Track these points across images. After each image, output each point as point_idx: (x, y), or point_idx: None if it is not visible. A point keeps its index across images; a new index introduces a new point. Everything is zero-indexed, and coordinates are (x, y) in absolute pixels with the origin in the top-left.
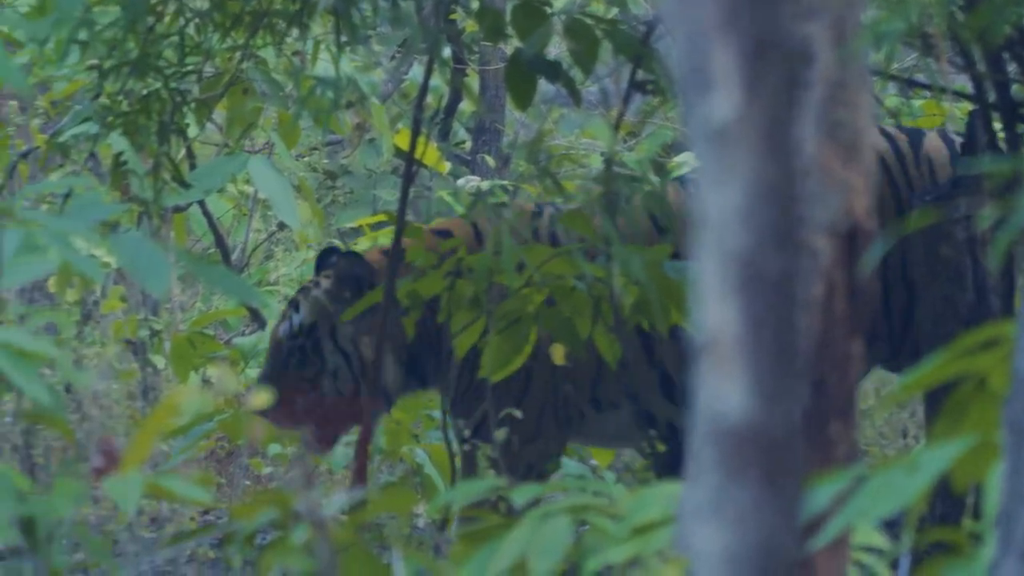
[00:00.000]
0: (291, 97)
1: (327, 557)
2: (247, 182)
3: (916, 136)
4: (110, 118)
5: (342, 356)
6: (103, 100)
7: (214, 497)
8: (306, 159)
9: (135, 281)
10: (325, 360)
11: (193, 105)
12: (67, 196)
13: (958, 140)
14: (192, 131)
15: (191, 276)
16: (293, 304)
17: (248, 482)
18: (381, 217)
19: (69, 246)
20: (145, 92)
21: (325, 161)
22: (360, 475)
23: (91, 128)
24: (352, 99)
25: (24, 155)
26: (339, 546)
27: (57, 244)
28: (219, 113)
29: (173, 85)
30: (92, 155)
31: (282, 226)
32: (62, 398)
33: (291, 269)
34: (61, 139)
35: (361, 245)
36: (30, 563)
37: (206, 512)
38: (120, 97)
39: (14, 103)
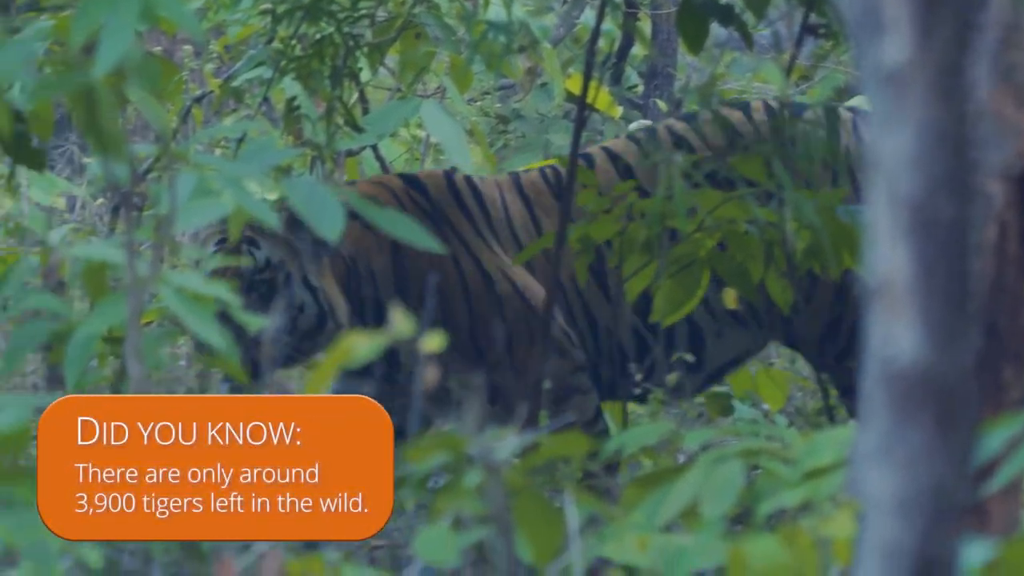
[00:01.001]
0: (464, 41)
1: (499, 500)
2: (419, 126)
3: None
4: (284, 62)
5: (309, 291)
6: (277, 44)
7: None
8: (478, 103)
9: (309, 224)
10: (293, 294)
11: (366, 49)
12: (241, 140)
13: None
14: (365, 75)
15: None
16: (246, 240)
17: (421, 426)
18: (553, 161)
19: (242, 190)
20: (318, 36)
21: (497, 105)
22: (532, 419)
23: (265, 72)
24: (524, 43)
25: (198, 100)
26: (511, 490)
27: (231, 188)
28: (392, 57)
29: (346, 29)
30: (265, 99)
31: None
32: (235, 341)
33: None
34: (235, 84)
35: None
36: None
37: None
38: (293, 41)
39: (188, 48)
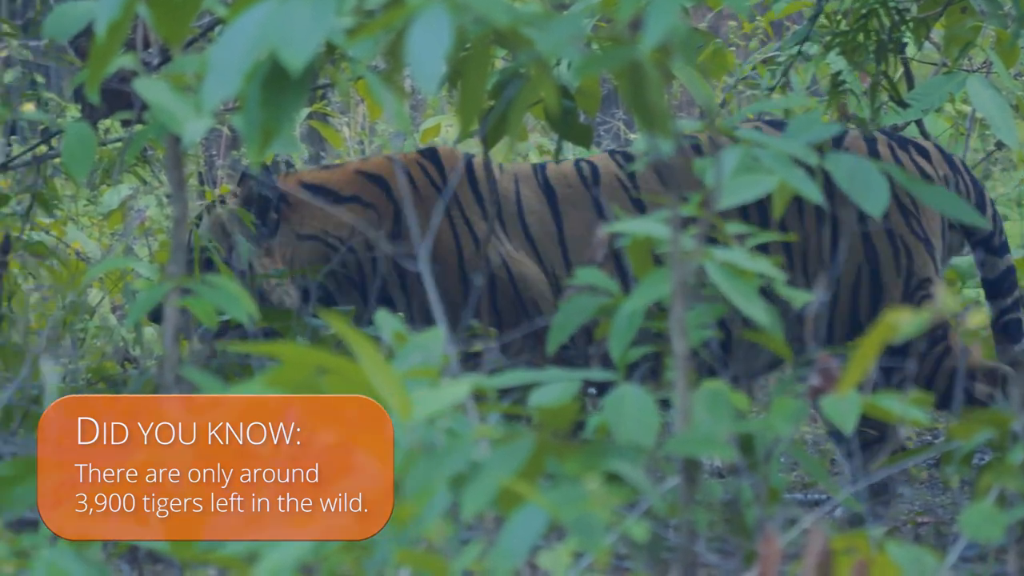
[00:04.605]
0: (1010, 15)
1: None
2: (965, 101)
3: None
4: (828, 38)
5: (236, 274)
6: (822, 20)
7: (931, 417)
8: None
9: (854, 200)
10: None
11: (911, 23)
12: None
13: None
14: (910, 50)
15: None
16: (197, 218)
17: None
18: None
19: (788, 165)
20: (864, 12)
21: None
22: None
23: (810, 48)
24: None
25: (743, 78)
26: None
27: (776, 163)
28: (937, 31)
29: (892, 3)
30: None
31: (1000, 146)
32: (779, 317)
33: (1009, 189)
34: (781, 59)
35: None
36: (748, 481)
37: (922, 432)
38: (838, 17)
39: (734, 23)
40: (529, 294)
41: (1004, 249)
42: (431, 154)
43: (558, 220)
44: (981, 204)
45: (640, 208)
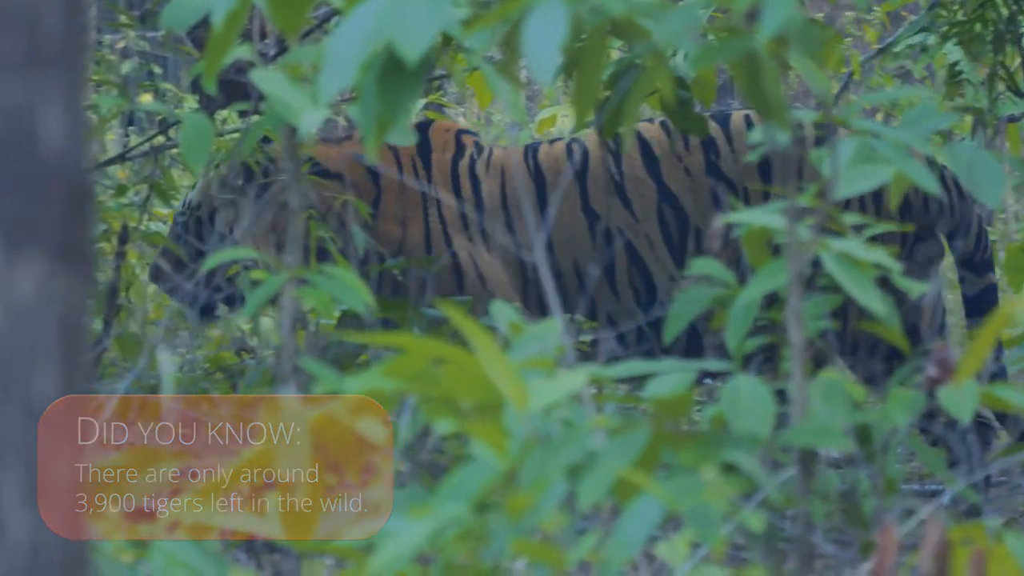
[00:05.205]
0: None
1: None
2: None
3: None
4: (946, 28)
5: (218, 238)
6: (939, 10)
7: None
8: None
9: (969, 190)
10: (203, 239)
11: None
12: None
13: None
14: None
15: None
16: (195, 184)
17: None
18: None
19: (905, 155)
20: (981, 1)
21: None
22: None
23: (927, 38)
24: None
25: (866, 62)
26: None
27: (893, 154)
28: None
29: None
30: (927, 65)
31: None
32: (895, 307)
33: None
34: (896, 49)
35: None
36: (865, 472)
37: None
38: (955, 7)
39: (850, 15)
40: (492, 287)
41: (986, 267)
42: (425, 156)
43: (544, 209)
44: (966, 220)
45: (621, 192)
